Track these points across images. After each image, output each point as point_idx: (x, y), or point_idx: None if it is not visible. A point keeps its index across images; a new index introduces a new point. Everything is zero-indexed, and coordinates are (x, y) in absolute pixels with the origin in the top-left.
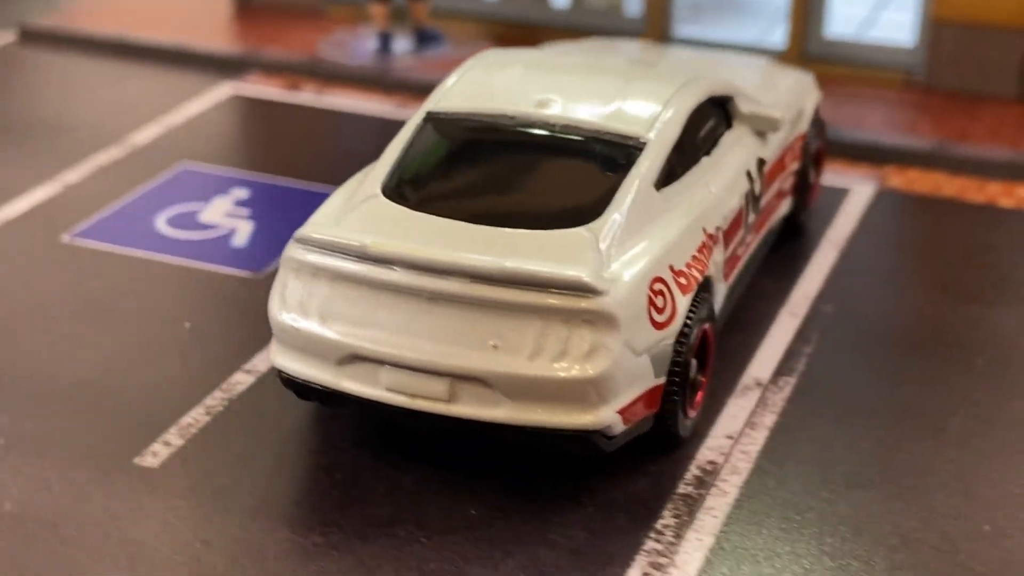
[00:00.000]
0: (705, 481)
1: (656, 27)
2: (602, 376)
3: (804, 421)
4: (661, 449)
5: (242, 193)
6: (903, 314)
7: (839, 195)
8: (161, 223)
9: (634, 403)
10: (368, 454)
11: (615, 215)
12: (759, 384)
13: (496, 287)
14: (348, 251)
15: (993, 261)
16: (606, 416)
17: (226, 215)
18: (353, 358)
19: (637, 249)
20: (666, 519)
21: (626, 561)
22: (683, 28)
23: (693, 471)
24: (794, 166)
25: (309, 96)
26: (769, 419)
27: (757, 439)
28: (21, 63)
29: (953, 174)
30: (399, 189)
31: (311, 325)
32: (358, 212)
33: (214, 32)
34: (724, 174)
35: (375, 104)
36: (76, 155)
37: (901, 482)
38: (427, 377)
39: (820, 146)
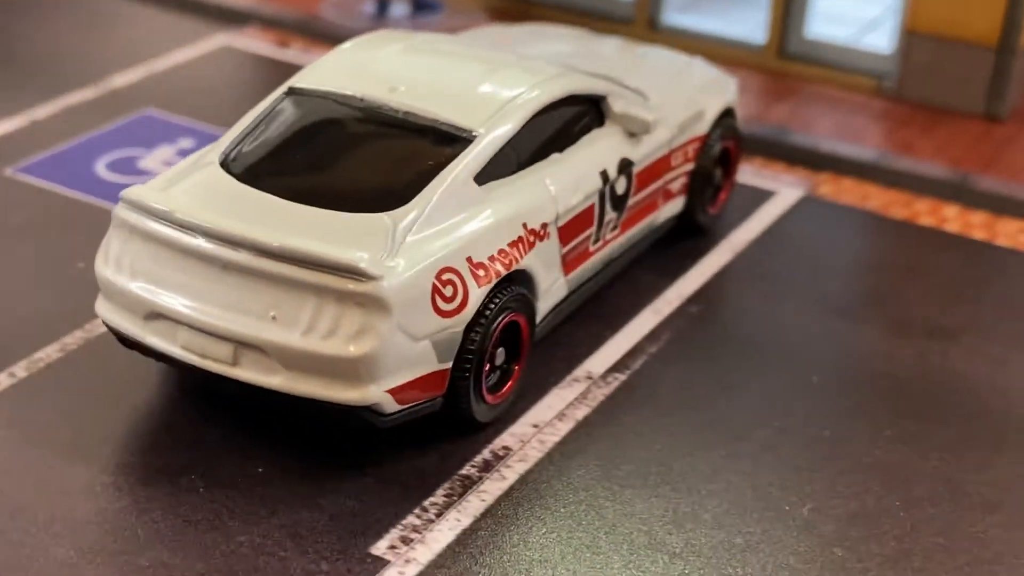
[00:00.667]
0: (491, 465)
1: (644, 13)
2: (369, 356)
3: (614, 418)
4: (457, 431)
5: (188, 143)
6: (765, 323)
7: (763, 198)
8: (101, 167)
9: (411, 384)
10: (191, 405)
11: (421, 204)
12: (589, 378)
13: (278, 263)
14: (156, 215)
15: (879, 280)
16: (374, 394)
17: (165, 164)
18: (156, 315)
19: (434, 239)
20: (436, 497)
21: (380, 532)
22: (673, 16)
23: (484, 454)
24: (687, 167)
25: (295, 54)
26: (581, 412)
27: (560, 431)
28: None
29: (886, 187)
30: (235, 160)
31: (124, 280)
32: (189, 179)
33: None
34: (571, 172)
35: None
36: (51, 92)
37: (677, 486)
38: (215, 340)
39: (730, 148)
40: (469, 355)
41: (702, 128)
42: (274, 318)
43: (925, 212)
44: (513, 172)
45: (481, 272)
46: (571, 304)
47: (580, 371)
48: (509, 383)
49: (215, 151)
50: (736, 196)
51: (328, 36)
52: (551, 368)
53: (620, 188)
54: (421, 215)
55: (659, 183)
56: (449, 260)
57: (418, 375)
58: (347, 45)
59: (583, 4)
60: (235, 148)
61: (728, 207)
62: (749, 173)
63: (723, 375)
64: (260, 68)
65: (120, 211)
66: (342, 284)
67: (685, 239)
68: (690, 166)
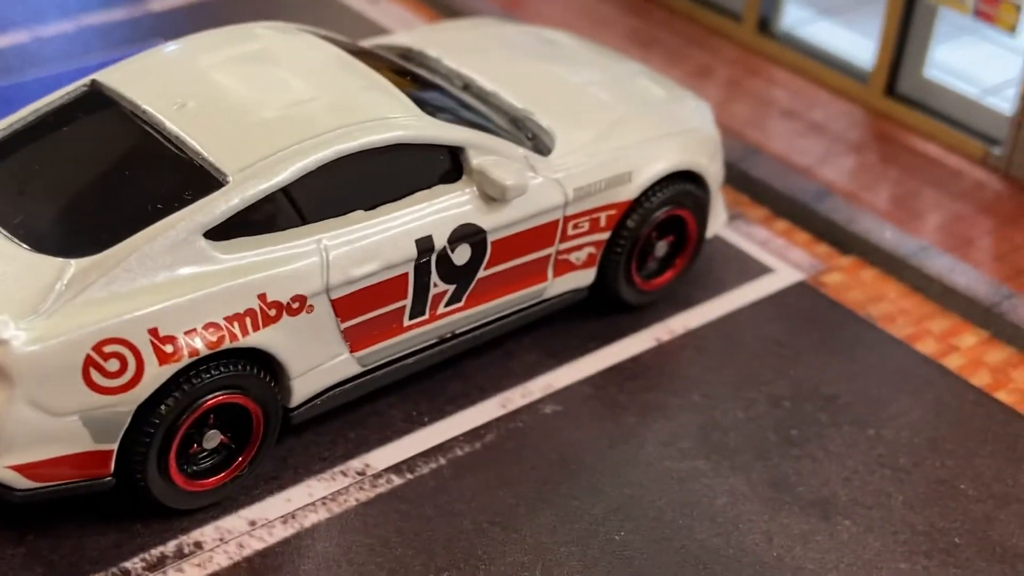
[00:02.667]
0: (162, 563)
1: (754, 12)
2: None
3: (349, 531)
4: (149, 512)
5: None
6: (621, 447)
7: (749, 273)
8: None
9: (51, 463)
10: None
11: (115, 256)
12: (361, 474)
13: None
14: None
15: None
16: None
17: None
18: None
19: (113, 301)
20: None
21: None
22: (792, 18)
23: (167, 547)
24: (598, 236)
25: (382, 10)
26: (317, 517)
27: (274, 536)
28: None
29: (910, 290)
30: None
31: None
32: None
33: None
34: (366, 236)
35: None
36: None
37: None
38: None
39: (684, 218)
40: (147, 437)
41: (627, 193)
42: None
43: (935, 335)
44: (288, 228)
45: (168, 347)
46: (383, 378)
47: (356, 463)
48: (232, 469)
49: None
50: (716, 262)
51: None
52: (326, 452)
53: (460, 258)
54: (109, 269)
55: (542, 253)
56: (121, 330)
57: (61, 453)
58: (198, 39)
59: None
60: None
61: (691, 277)
62: (760, 236)
63: (510, 505)
64: (339, 19)
65: None
66: None
67: (613, 313)
68: (602, 235)
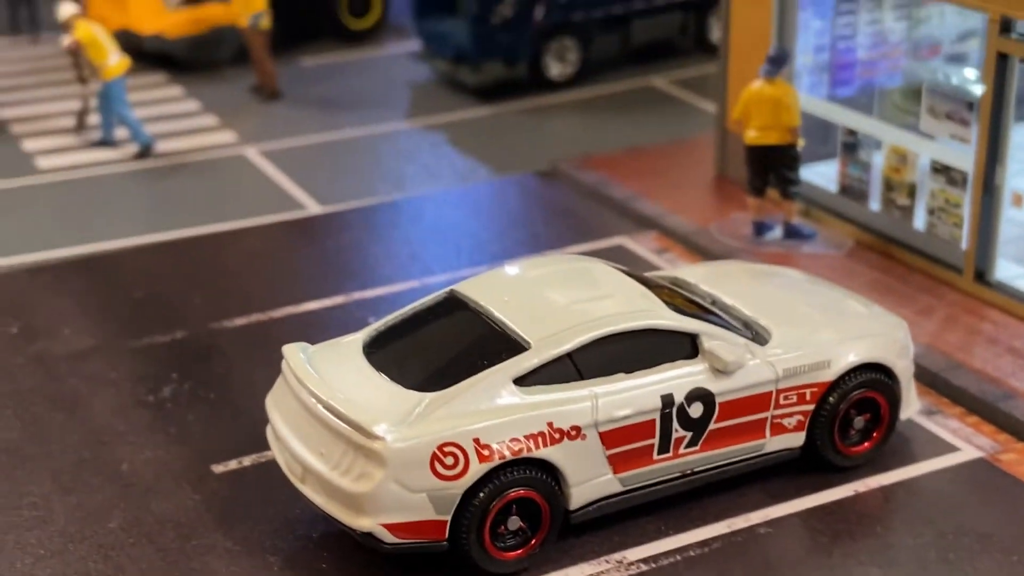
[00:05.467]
0: None
1: (971, 266)
2: (365, 495)
3: None
4: (472, 573)
5: None
6: (800, 558)
7: (941, 450)
8: None
9: (406, 526)
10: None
11: (456, 392)
12: (619, 563)
13: (329, 414)
14: (289, 367)
15: None
16: (369, 524)
17: None
18: (276, 437)
19: (452, 419)
20: None
21: None
22: (1002, 270)
23: None
24: (804, 407)
25: (666, 259)
26: None
27: None
28: None
29: None
30: (375, 333)
31: (270, 407)
32: (339, 344)
33: (676, 191)
34: (625, 390)
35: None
36: (377, 282)
37: None
38: (295, 461)
39: (877, 400)
40: (469, 513)
41: (826, 376)
42: (321, 453)
43: None
44: (571, 381)
45: (486, 451)
46: (639, 498)
47: (616, 555)
48: (531, 544)
49: (365, 331)
50: (912, 439)
51: (704, 251)
52: (595, 546)
53: (695, 412)
54: (451, 399)
55: (759, 416)
56: (456, 437)
57: (414, 519)
58: (525, 263)
59: (915, 245)
60: (379, 330)
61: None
62: (952, 425)
63: None
64: (632, 266)
65: (283, 362)
66: (358, 439)
67: (821, 468)
68: (808, 407)
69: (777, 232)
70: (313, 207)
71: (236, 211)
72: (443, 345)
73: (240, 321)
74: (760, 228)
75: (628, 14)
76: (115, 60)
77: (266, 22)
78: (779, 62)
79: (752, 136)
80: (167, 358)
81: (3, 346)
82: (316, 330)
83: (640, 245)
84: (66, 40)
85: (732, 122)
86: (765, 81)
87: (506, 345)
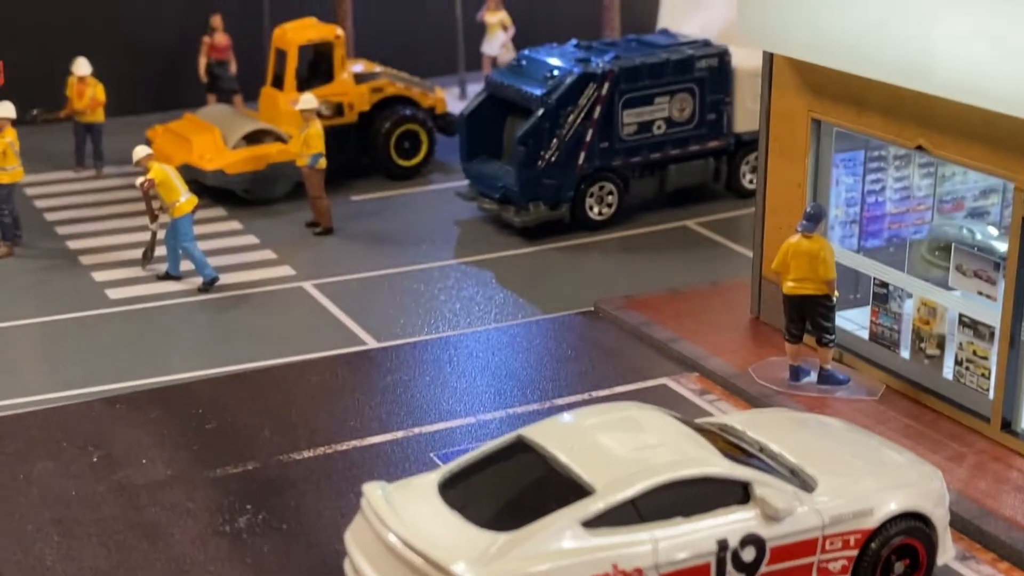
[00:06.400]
0: None
1: (998, 415)
2: None
3: None
4: None
5: None
6: None
7: None
8: None
9: None
10: None
11: (526, 534)
12: None
13: (409, 551)
14: (370, 505)
15: None
16: None
17: None
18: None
19: (523, 561)
20: None
21: None
22: None
23: None
24: (848, 552)
25: (706, 400)
26: None
27: None
28: None
29: None
30: (448, 482)
31: (348, 540)
32: (413, 483)
33: (715, 333)
34: (684, 534)
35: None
36: (505, 403)
37: None
38: None
39: (916, 547)
40: None
41: (869, 523)
42: None
43: None
44: (632, 524)
45: None
46: None
47: None
48: None
49: (436, 472)
50: None
51: (743, 393)
52: None
53: (747, 556)
54: (523, 541)
55: (806, 560)
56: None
57: None
58: (586, 410)
59: (944, 393)
60: (453, 472)
61: None
62: (986, 571)
63: None
64: (677, 407)
65: (362, 499)
66: (436, 574)
67: None
68: (852, 552)
69: (812, 377)
70: (370, 342)
71: (298, 344)
72: (514, 487)
73: (308, 453)
74: (796, 373)
75: (665, 160)
76: (185, 199)
77: (323, 162)
78: (816, 219)
79: (790, 286)
80: (241, 489)
81: (86, 474)
82: (381, 463)
83: (683, 386)
84: (140, 179)
85: (771, 272)
86: (803, 236)
87: (573, 489)
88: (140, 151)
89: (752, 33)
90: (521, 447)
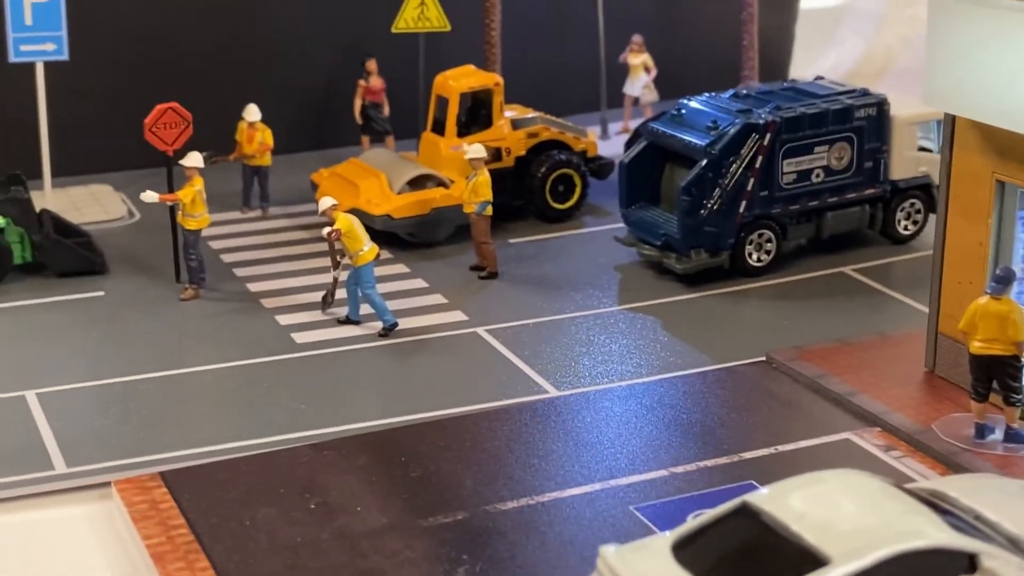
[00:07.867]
0: None
1: None
2: None
3: None
4: None
5: None
6: None
7: None
8: (688, 518)
9: None
10: None
11: None
12: None
13: None
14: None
15: None
16: None
17: None
18: None
19: None
20: None
21: None
22: None
23: None
24: None
25: (893, 456)
26: None
27: None
28: None
29: None
30: (680, 545)
31: None
32: (648, 547)
33: (893, 387)
34: None
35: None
36: (693, 456)
37: None
38: None
39: None
40: None
41: None
42: None
43: None
44: None
45: None
46: None
47: None
48: None
49: (672, 535)
50: None
51: (928, 450)
52: None
53: None
54: None
55: None
56: None
57: None
58: (805, 477)
59: None
60: (689, 535)
61: None
62: None
63: None
64: (864, 464)
65: (599, 560)
66: None
67: None
68: None
69: (998, 435)
70: (551, 389)
71: (483, 391)
72: (746, 554)
73: (511, 504)
74: (982, 431)
75: (822, 207)
76: (367, 247)
77: (490, 209)
78: (1006, 281)
79: (978, 346)
80: (455, 539)
81: (308, 521)
82: (584, 516)
83: (867, 442)
84: (327, 229)
85: (954, 331)
86: (992, 297)
87: (808, 558)
88: (326, 202)
89: (938, 96)
90: (748, 512)
